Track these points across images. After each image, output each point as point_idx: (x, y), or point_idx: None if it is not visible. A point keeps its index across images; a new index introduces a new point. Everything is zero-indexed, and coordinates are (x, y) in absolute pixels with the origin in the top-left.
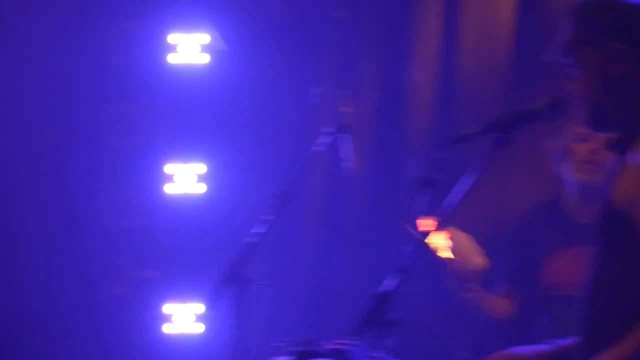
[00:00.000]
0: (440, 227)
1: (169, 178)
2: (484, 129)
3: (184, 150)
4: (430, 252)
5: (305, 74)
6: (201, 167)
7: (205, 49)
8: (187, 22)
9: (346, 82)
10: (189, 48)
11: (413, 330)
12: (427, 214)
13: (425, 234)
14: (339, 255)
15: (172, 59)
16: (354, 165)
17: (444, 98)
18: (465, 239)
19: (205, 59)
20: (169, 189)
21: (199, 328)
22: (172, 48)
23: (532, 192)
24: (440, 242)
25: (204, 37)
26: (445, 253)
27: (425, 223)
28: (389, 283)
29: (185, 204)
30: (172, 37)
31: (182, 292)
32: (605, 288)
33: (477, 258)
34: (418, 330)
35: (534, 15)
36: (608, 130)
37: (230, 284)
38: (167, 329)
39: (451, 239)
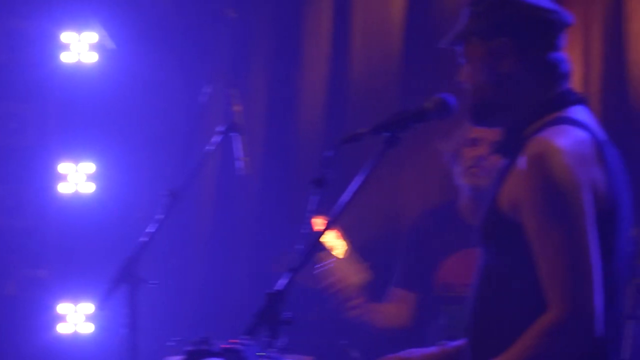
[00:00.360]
0: (332, 226)
1: (61, 177)
2: (375, 128)
3: (75, 149)
4: (322, 251)
5: (195, 72)
6: (90, 167)
7: (95, 47)
8: (79, 21)
9: (237, 81)
10: (80, 47)
11: (306, 329)
12: (320, 213)
13: (318, 233)
14: (231, 254)
15: (65, 57)
16: (245, 164)
17: (335, 97)
18: (343, 260)
19: (93, 58)
20: (61, 188)
21: (89, 328)
22: (64, 47)
23: (426, 193)
24: (332, 241)
25: (93, 36)
26: (336, 252)
27: (317, 222)
28: (282, 282)
29: (77, 203)
30: (65, 36)
31: (74, 292)
32: (489, 291)
33: (356, 276)
34: (311, 329)
35: (425, 14)
36: (490, 126)
37: (122, 283)
38: (61, 329)
39: (329, 262)
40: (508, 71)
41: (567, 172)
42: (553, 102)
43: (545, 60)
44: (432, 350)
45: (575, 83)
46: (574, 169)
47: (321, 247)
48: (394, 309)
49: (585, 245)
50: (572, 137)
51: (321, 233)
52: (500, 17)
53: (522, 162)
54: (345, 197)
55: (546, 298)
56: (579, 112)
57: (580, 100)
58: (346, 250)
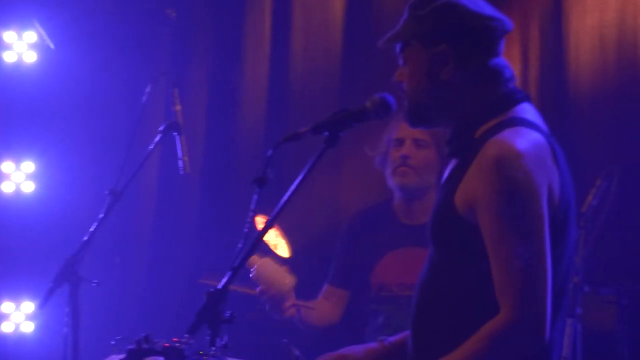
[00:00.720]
0: (272, 224)
1: (3, 177)
2: (315, 128)
3: (16, 149)
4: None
5: (136, 72)
6: (29, 166)
7: (34, 47)
8: (19, 21)
9: (178, 80)
10: (20, 46)
11: (247, 328)
12: (261, 211)
13: (260, 231)
14: (173, 253)
15: (7, 57)
16: (186, 163)
17: (276, 96)
18: (269, 263)
19: (32, 57)
20: (3, 187)
21: (29, 327)
22: (6, 46)
23: (362, 192)
24: (273, 240)
25: (32, 35)
26: (277, 250)
27: (259, 221)
28: (224, 281)
29: (18, 202)
30: (8, 35)
31: (16, 291)
32: (436, 290)
33: (285, 279)
34: (252, 327)
35: (364, 15)
36: (427, 128)
37: (63, 282)
38: (3, 327)
39: (257, 268)
40: (446, 78)
41: (528, 177)
42: (501, 102)
43: (486, 67)
44: (372, 346)
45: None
46: (534, 174)
47: (262, 246)
48: (325, 308)
49: (541, 250)
50: (530, 141)
51: (263, 231)
52: (442, 23)
53: (481, 164)
54: (286, 195)
55: (499, 300)
56: (527, 111)
57: (525, 97)
58: (287, 249)
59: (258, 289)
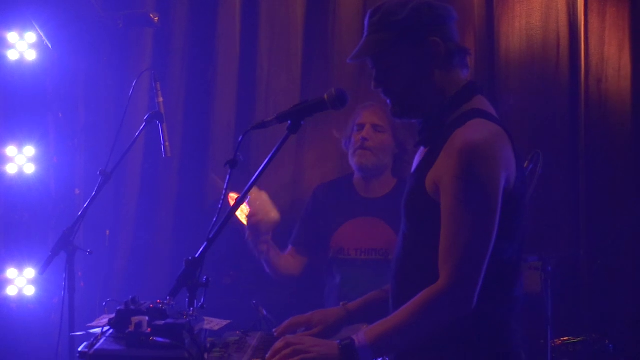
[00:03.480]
0: (243, 200)
1: (7, 159)
2: (279, 117)
3: (18, 135)
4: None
5: (124, 68)
6: (30, 150)
7: (34, 46)
8: (21, 23)
9: (160, 76)
10: (22, 46)
11: (221, 291)
12: (233, 189)
13: (233, 207)
14: (155, 225)
15: (10, 55)
16: (167, 148)
17: (245, 90)
18: (263, 196)
19: (32, 55)
20: (8, 169)
21: (31, 290)
22: (10, 45)
23: (321, 171)
24: (243, 213)
25: (32, 36)
26: (246, 216)
27: (232, 197)
28: (200, 251)
29: (20, 182)
30: (11, 36)
31: (19, 259)
32: (408, 255)
33: (272, 212)
34: (225, 290)
35: (322, 18)
36: (409, 118)
37: (61, 251)
38: (8, 291)
39: (251, 195)
40: (431, 69)
41: (486, 165)
42: (461, 95)
43: (449, 52)
44: (335, 309)
45: None
46: (492, 162)
47: (234, 219)
48: (289, 261)
49: (487, 232)
50: (490, 131)
51: (234, 206)
52: (424, 20)
53: (447, 152)
54: (255, 175)
55: (440, 269)
56: (484, 103)
57: (479, 89)
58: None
59: (248, 213)
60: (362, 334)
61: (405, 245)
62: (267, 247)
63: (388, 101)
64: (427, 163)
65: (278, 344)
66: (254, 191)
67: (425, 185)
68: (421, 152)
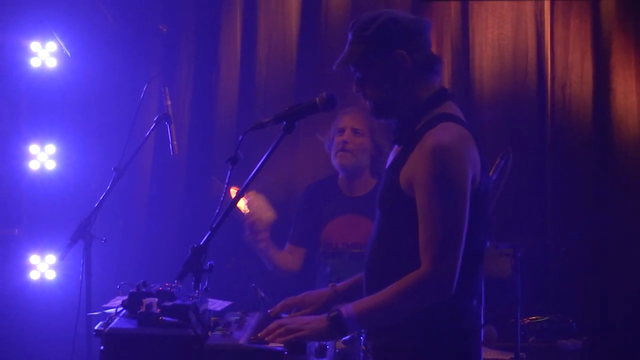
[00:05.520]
0: (243, 193)
1: (30, 156)
2: (275, 118)
3: (41, 134)
4: (236, 213)
5: (136, 74)
6: (52, 148)
7: (54, 55)
8: (43, 33)
9: (168, 81)
10: (44, 54)
11: (223, 275)
12: (233, 183)
13: (234, 199)
14: (165, 216)
15: (33, 62)
16: (175, 147)
17: (245, 94)
18: (260, 198)
19: (53, 63)
20: (31, 165)
21: (53, 275)
22: (32, 54)
23: (313, 168)
24: (243, 205)
25: (53, 45)
26: (245, 211)
27: (233, 191)
28: (205, 238)
29: (42, 177)
30: (33, 45)
31: (41, 246)
32: (382, 247)
33: (268, 212)
34: (227, 275)
35: (315, 28)
36: (386, 119)
37: (79, 239)
38: (31, 275)
39: (248, 197)
40: (404, 77)
41: (456, 164)
42: (433, 100)
43: (425, 60)
44: (324, 290)
45: None
46: (461, 161)
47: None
48: (288, 257)
49: (460, 222)
50: (458, 134)
51: (235, 199)
52: (390, 34)
53: (420, 152)
54: (254, 171)
55: (421, 257)
56: (453, 108)
57: (450, 96)
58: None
59: (246, 214)
60: (351, 306)
61: (379, 233)
62: (266, 244)
63: (367, 103)
64: (401, 160)
65: (272, 326)
66: (252, 194)
67: (399, 181)
68: (395, 150)
